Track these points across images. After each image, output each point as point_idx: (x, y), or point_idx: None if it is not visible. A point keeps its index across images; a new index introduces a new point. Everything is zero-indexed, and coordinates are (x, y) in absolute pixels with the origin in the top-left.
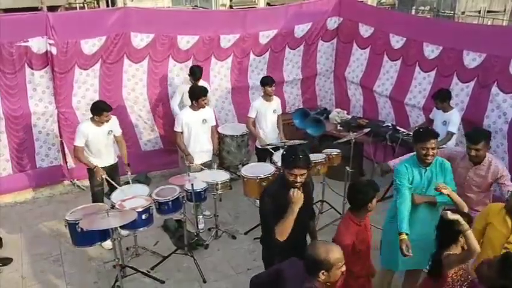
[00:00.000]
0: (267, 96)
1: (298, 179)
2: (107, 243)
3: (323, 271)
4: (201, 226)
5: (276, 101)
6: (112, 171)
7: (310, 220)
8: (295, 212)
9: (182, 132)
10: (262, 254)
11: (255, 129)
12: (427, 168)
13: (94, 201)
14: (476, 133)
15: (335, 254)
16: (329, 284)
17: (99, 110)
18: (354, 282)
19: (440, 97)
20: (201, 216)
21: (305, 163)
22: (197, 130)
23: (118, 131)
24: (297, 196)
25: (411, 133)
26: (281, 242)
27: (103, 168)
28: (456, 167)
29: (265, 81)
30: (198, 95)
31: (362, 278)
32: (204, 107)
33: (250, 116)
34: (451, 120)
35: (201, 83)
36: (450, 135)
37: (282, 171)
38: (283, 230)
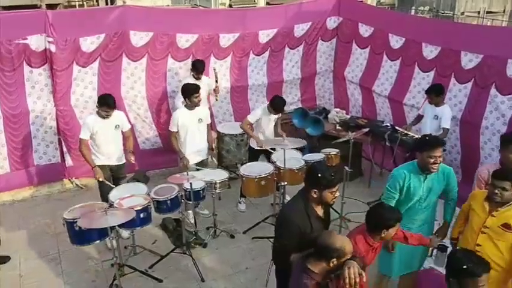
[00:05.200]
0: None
1: (337, 194)
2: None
3: (333, 260)
4: (191, 221)
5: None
6: (118, 171)
7: None
8: None
9: (177, 132)
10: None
11: (252, 132)
12: (428, 176)
13: (103, 200)
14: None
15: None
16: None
17: (101, 103)
18: None
19: (435, 91)
20: (190, 211)
21: (341, 178)
22: (193, 130)
23: (127, 126)
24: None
25: (407, 132)
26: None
27: (109, 166)
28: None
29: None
30: (190, 92)
31: None
32: (198, 105)
33: (249, 121)
34: (443, 115)
35: (205, 79)
36: (446, 131)
37: (308, 194)
38: None
